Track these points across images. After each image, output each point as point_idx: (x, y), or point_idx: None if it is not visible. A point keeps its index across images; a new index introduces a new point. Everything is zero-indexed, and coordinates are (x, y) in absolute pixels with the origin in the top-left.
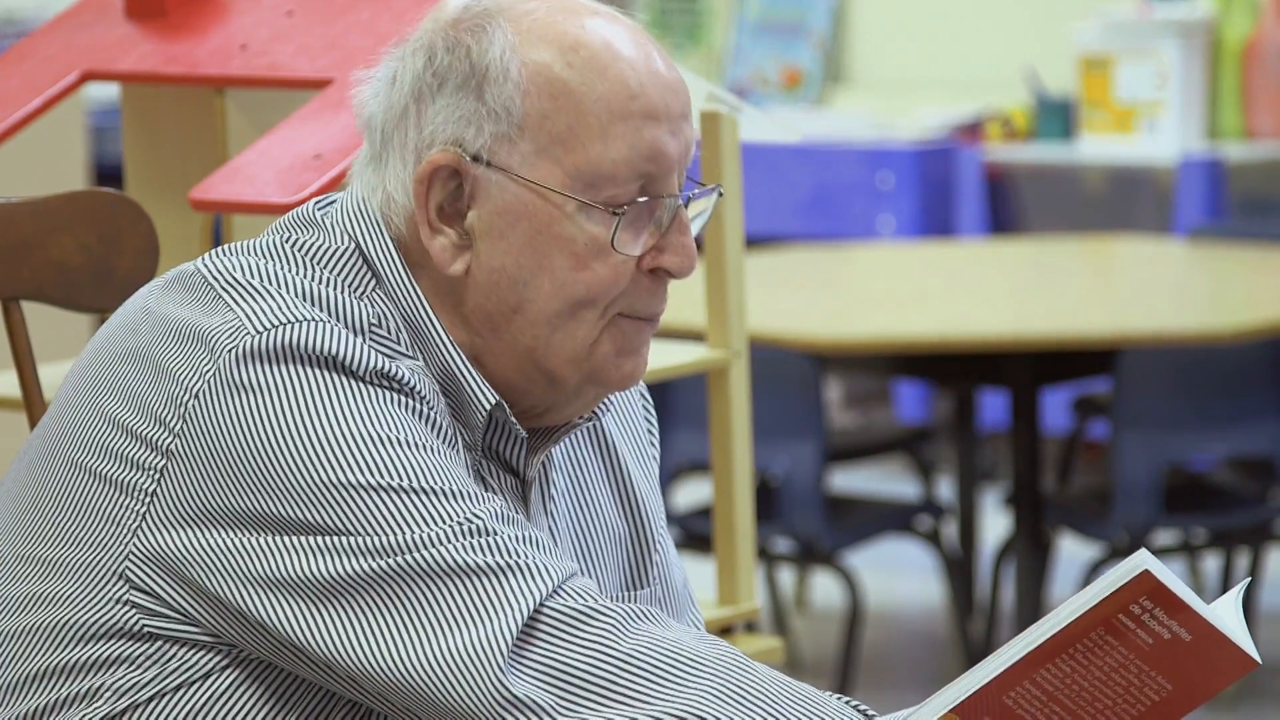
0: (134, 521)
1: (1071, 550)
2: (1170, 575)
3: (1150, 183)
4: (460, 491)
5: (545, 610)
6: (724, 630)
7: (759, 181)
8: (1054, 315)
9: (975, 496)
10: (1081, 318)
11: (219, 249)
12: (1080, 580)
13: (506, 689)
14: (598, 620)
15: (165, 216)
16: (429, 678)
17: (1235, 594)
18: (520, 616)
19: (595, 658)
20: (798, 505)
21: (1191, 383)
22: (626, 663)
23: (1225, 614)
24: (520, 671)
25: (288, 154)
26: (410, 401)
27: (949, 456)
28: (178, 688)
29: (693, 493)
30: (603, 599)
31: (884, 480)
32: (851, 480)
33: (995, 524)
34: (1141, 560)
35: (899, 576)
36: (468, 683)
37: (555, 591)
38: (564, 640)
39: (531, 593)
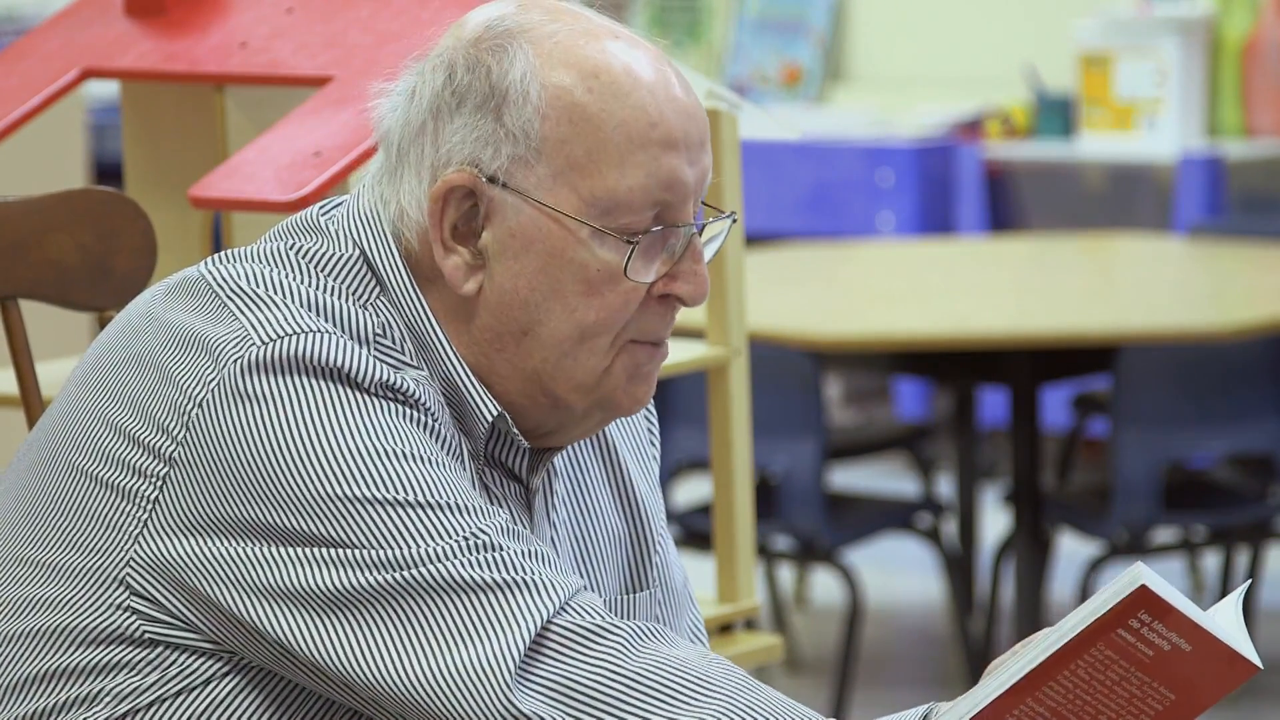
0: (135, 528)
1: (1071, 548)
2: (1167, 587)
3: (1150, 180)
4: (465, 506)
5: (553, 627)
6: (724, 628)
7: (759, 179)
8: (1054, 313)
9: (975, 494)
10: (1081, 315)
11: (223, 254)
12: (1080, 578)
13: (514, 705)
14: (606, 638)
15: (165, 214)
16: (436, 692)
17: (1235, 598)
18: (528, 633)
19: (603, 676)
20: (797, 503)
21: (1191, 380)
22: (635, 681)
23: (1225, 619)
24: (527, 688)
25: (287, 151)
26: (415, 414)
27: (949, 454)
28: (178, 693)
29: (692, 490)
30: (610, 615)
31: (884, 478)
32: (851, 478)
33: (995, 521)
34: (1138, 575)
35: (899, 574)
36: (475, 698)
37: (563, 608)
38: (572, 657)
39: (539, 609)
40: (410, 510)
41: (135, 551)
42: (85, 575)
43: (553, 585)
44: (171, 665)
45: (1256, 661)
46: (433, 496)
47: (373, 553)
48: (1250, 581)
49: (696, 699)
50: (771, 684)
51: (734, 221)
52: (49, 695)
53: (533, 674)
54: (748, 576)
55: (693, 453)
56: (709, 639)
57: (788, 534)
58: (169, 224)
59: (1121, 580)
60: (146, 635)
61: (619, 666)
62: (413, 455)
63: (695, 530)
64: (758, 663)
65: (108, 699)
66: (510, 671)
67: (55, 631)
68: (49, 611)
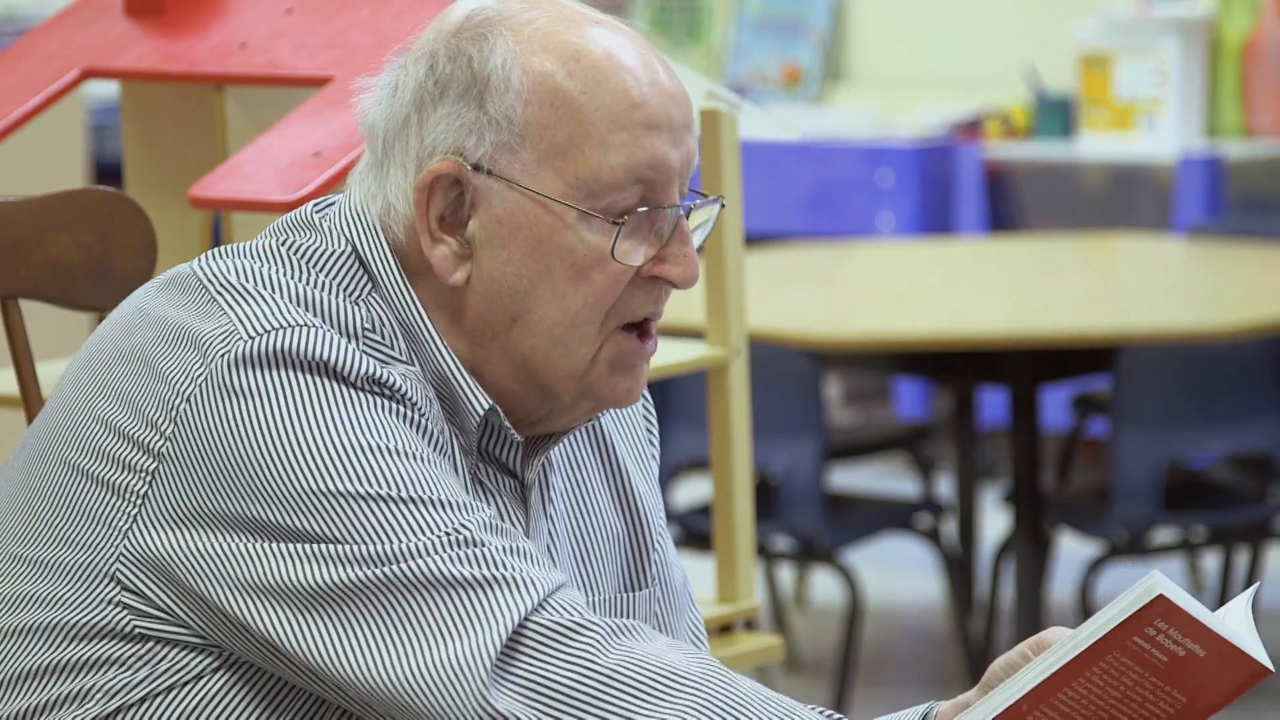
0: (125, 523)
1: (1071, 548)
2: (1182, 594)
3: (1150, 181)
4: (449, 501)
5: (530, 624)
6: (724, 628)
7: (758, 179)
8: (1053, 313)
9: (975, 494)
10: (1081, 315)
11: (216, 250)
12: (1080, 578)
13: (489, 703)
14: (581, 635)
15: (165, 214)
16: (413, 689)
17: (1245, 600)
18: (505, 630)
19: (577, 673)
20: (797, 503)
21: (1191, 380)
22: (608, 679)
23: (1235, 622)
24: (503, 685)
25: (287, 152)
26: (401, 408)
27: (948, 454)
28: (168, 689)
29: (692, 490)
30: (588, 613)
31: (883, 478)
32: (851, 478)
33: (995, 522)
34: (1154, 585)
35: (898, 574)
36: (451, 696)
37: (541, 605)
38: (547, 655)
39: (517, 606)
40: (392, 505)
41: (125, 546)
42: (76, 571)
43: (532, 582)
44: (161, 660)
45: (1269, 665)
46: (415, 492)
47: (354, 548)
48: (1258, 584)
49: (671, 695)
50: (771, 684)
51: (722, 206)
52: (40, 692)
53: (509, 672)
54: (748, 577)
55: (693, 453)
56: (709, 639)
57: (788, 534)
58: (169, 224)
59: (1138, 589)
60: (137, 630)
61: (593, 664)
62: (396, 450)
63: (695, 530)
64: (758, 663)
65: (99, 695)
66: (486, 669)
67: (47, 628)
68: (41, 608)
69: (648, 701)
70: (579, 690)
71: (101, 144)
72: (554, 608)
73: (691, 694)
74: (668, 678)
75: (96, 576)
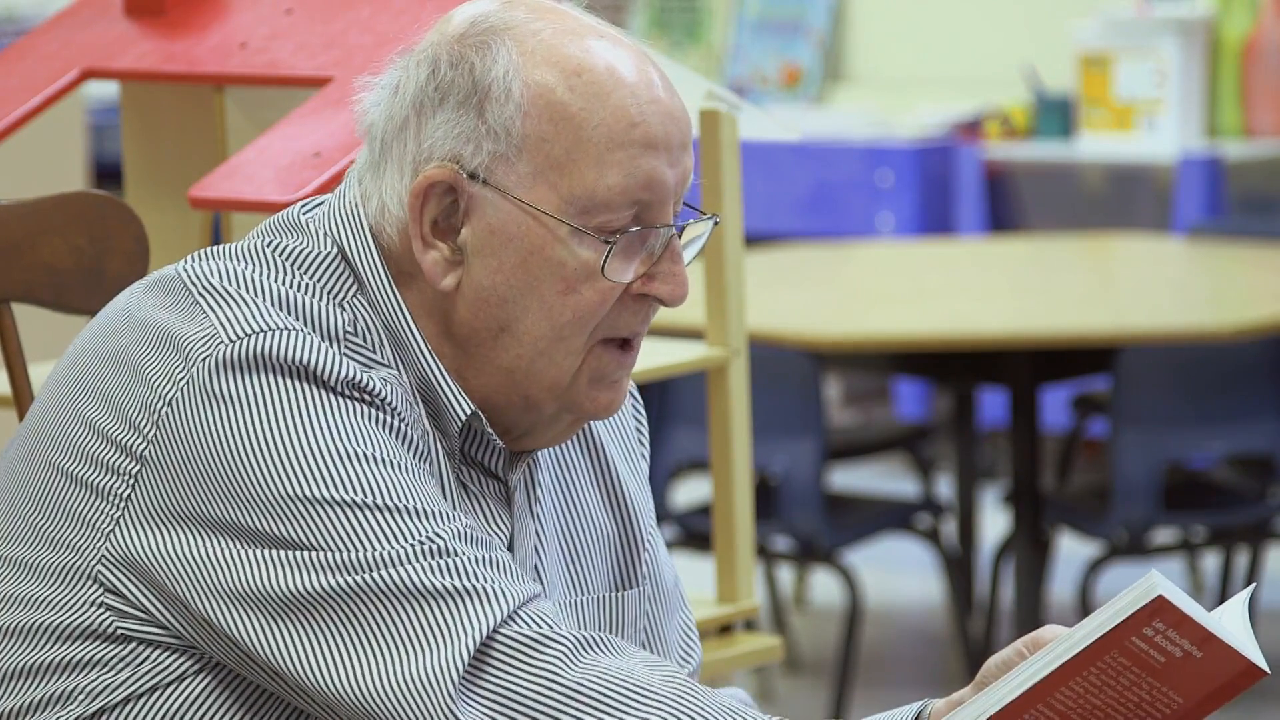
0: (108, 525)
1: (1071, 548)
2: (1181, 595)
3: (1149, 181)
4: (424, 510)
5: (498, 636)
6: (723, 628)
7: (758, 180)
8: (1053, 313)
9: (974, 495)
10: (1081, 316)
11: (201, 252)
12: (1080, 578)
13: (455, 716)
14: (548, 648)
15: (164, 215)
16: (381, 701)
17: (1241, 602)
18: (473, 643)
19: (543, 687)
20: (797, 503)
21: (1191, 381)
22: (574, 692)
23: (1231, 622)
24: (470, 699)
25: (287, 152)
26: (381, 414)
27: (948, 455)
28: (150, 690)
29: (692, 491)
30: (559, 625)
31: (883, 478)
32: (851, 478)
33: (995, 522)
34: (1153, 585)
35: (898, 575)
36: (418, 709)
37: (510, 617)
38: (513, 668)
39: (486, 618)
40: (367, 513)
41: (107, 548)
42: (59, 572)
43: (503, 593)
44: (144, 662)
45: (1265, 667)
46: (391, 500)
47: (329, 555)
48: (1255, 585)
49: (636, 708)
50: (771, 685)
51: (716, 224)
52: (23, 693)
53: (476, 684)
54: (747, 577)
55: (693, 453)
56: (708, 640)
57: (787, 534)
58: (168, 225)
59: (1137, 589)
60: (119, 631)
61: (558, 677)
62: (373, 457)
63: (695, 530)
64: (757, 663)
65: (81, 697)
66: (454, 683)
67: (30, 629)
68: (24, 609)
69: (611, 715)
70: (544, 703)
71: (101, 144)
72: (523, 620)
73: (656, 707)
74: (633, 691)
75: (79, 577)
